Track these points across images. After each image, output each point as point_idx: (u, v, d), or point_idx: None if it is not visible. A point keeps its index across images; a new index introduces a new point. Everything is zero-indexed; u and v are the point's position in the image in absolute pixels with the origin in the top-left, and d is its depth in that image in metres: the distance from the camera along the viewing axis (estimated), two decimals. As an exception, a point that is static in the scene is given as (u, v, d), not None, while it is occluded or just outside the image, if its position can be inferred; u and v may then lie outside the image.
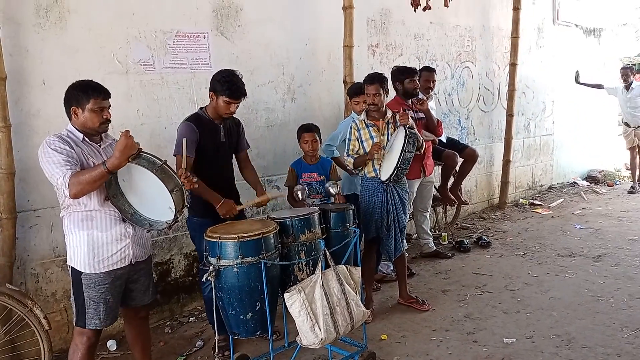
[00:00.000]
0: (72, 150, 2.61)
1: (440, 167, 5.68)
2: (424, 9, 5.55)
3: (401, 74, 4.72)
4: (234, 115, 3.59)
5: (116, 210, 2.73)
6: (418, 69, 5.42)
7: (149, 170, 2.56)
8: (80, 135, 2.71)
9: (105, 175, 2.52)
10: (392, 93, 4.71)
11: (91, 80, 2.75)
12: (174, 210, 2.64)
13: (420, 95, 4.92)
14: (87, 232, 2.69)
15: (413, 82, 4.71)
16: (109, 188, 2.68)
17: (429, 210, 5.50)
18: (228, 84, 3.38)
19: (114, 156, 2.49)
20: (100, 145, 2.78)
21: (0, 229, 3.46)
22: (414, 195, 5.08)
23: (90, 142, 2.74)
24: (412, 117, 4.64)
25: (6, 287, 3.14)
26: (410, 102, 4.78)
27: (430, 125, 4.89)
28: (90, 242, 2.69)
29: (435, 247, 5.57)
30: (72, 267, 2.75)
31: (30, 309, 3.07)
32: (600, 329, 3.72)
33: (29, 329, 3.15)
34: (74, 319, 2.78)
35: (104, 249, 2.72)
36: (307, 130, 4.17)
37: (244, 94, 3.44)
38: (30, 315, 3.06)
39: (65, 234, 2.76)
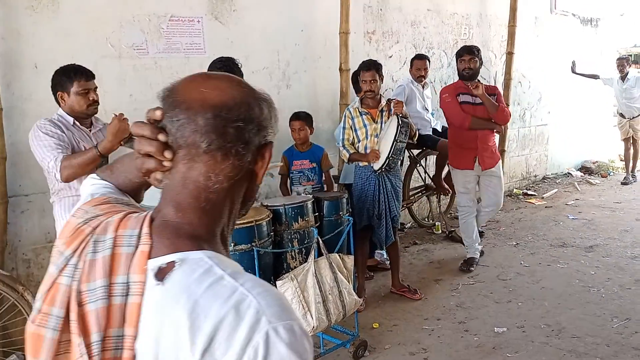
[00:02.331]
0: (64, 134, 2.61)
1: (435, 156, 5.68)
2: (421, -4, 5.51)
3: (458, 54, 4.69)
4: None
5: None
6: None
7: None
8: (71, 120, 2.70)
9: (98, 158, 2.52)
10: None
11: (74, 64, 2.74)
12: None
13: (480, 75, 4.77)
14: None
15: (461, 62, 4.63)
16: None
17: (490, 208, 4.93)
18: (225, 69, 3.34)
19: (107, 139, 2.50)
20: (90, 130, 2.78)
21: (-9, 213, 3.44)
22: (470, 185, 4.80)
23: (80, 127, 2.73)
24: (469, 102, 4.57)
25: (-3, 272, 3.12)
26: (468, 85, 4.61)
27: (490, 110, 4.54)
28: None
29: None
30: None
31: (21, 295, 3.05)
32: (591, 319, 3.75)
33: (20, 315, 3.13)
34: None
35: None
36: (296, 118, 4.14)
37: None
38: (22, 301, 3.05)
39: (56, 219, 2.75)
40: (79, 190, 2.63)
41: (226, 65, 3.34)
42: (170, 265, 0.79)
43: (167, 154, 0.84)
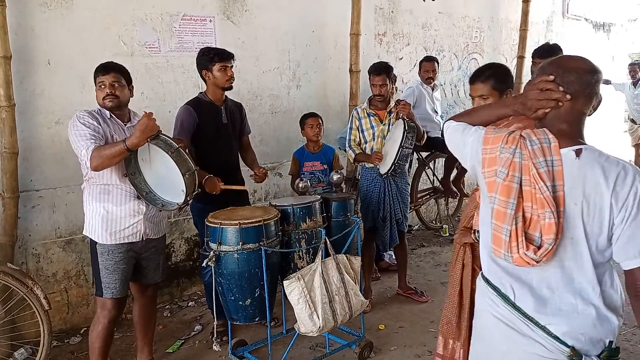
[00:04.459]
0: (99, 126, 2.74)
1: (444, 159, 5.67)
2: (433, -1, 5.51)
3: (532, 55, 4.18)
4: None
5: (132, 187, 2.83)
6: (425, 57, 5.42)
7: (165, 152, 2.64)
8: (107, 113, 2.83)
9: (124, 152, 2.62)
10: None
11: (103, 62, 2.88)
12: (185, 192, 2.71)
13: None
14: (103, 205, 2.81)
15: (533, 65, 4.12)
16: (129, 165, 2.77)
17: None
18: (213, 51, 3.46)
19: (134, 135, 2.60)
20: (126, 125, 2.89)
21: (2, 208, 3.47)
22: None
23: (117, 120, 2.85)
24: None
25: (7, 266, 3.15)
26: None
27: None
28: (105, 214, 2.81)
29: None
30: (89, 237, 2.87)
31: (30, 289, 3.08)
32: (598, 326, 3.72)
33: (29, 309, 3.16)
34: (95, 289, 2.92)
35: (117, 222, 2.83)
36: (312, 115, 4.15)
37: (232, 55, 3.47)
38: (31, 295, 3.07)
39: (84, 205, 2.88)
40: (107, 179, 2.76)
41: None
42: (579, 150, 1.53)
43: (569, 96, 1.55)
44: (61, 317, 3.83)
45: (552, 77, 1.56)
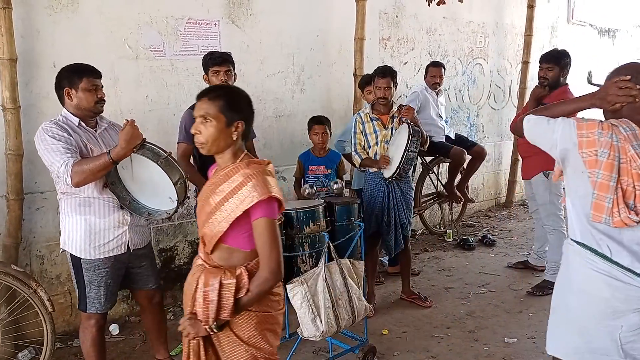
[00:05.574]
0: (71, 137, 2.58)
1: (448, 163, 5.66)
2: (438, 4, 5.51)
3: (539, 61, 4.37)
4: None
5: (114, 197, 2.70)
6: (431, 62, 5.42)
7: (153, 161, 2.53)
8: (76, 120, 2.67)
9: (110, 165, 2.50)
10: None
11: (81, 63, 2.75)
12: (175, 201, 2.63)
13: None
14: (84, 218, 2.67)
15: (539, 70, 4.34)
16: (108, 175, 2.64)
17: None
18: (209, 55, 3.47)
19: (120, 146, 2.47)
20: (96, 131, 2.75)
21: (7, 210, 3.48)
22: (529, 194, 4.68)
23: (86, 128, 2.70)
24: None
25: (11, 268, 3.15)
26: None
27: None
28: (87, 227, 2.67)
29: None
30: (69, 253, 2.75)
31: (34, 291, 3.08)
32: (603, 332, 3.70)
33: (32, 311, 3.16)
34: (78, 303, 2.82)
35: (101, 235, 2.70)
36: (318, 122, 4.13)
37: (227, 60, 3.45)
38: (35, 296, 3.08)
39: (62, 217, 2.74)
40: (86, 192, 2.63)
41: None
42: None
43: None
44: (64, 319, 3.83)
45: (628, 77, 1.87)
